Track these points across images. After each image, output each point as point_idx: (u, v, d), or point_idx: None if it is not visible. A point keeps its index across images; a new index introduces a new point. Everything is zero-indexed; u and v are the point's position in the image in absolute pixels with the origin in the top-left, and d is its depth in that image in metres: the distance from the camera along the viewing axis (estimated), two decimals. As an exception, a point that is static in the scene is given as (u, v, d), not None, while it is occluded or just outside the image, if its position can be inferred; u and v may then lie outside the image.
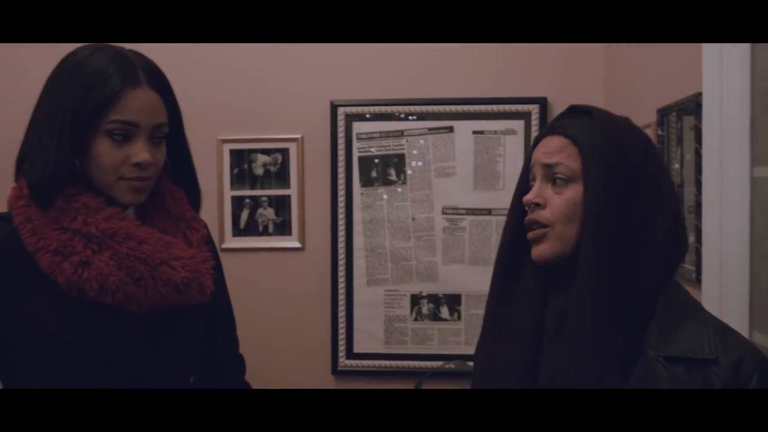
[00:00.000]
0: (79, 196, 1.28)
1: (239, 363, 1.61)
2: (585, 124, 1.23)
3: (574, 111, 1.29)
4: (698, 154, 1.82)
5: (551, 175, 1.24)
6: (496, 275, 1.34)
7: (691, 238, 1.91)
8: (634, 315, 1.16)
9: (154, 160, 1.32)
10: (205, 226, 1.47)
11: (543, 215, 1.23)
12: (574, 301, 1.18)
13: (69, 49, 1.36)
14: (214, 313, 1.50)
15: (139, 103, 1.28)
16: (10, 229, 1.28)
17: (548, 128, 1.29)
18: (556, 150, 1.24)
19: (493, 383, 1.28)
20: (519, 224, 1.29)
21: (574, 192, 1.21)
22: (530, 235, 1.25)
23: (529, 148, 1.32)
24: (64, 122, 1.25)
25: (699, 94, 1.81)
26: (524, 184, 1.30)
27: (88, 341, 1.28)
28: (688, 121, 1.95)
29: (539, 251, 1.24)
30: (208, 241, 1.46)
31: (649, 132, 2.26)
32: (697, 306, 1.23)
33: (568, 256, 1.22)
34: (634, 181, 1.19)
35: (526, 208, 1.26)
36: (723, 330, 1.18)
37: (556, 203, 1.22)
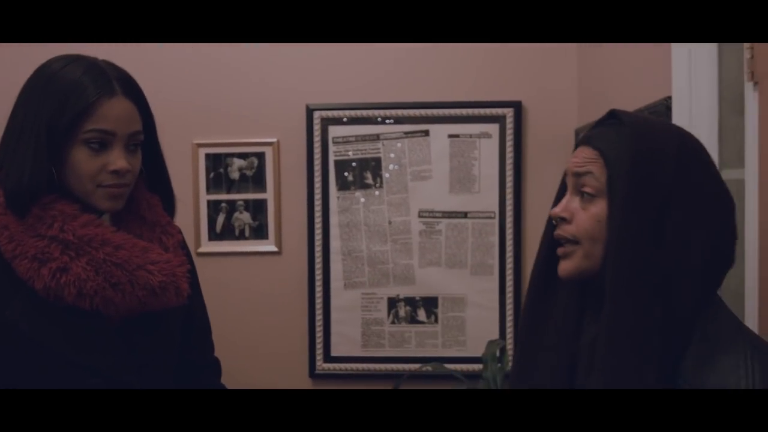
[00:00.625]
0: (55, 203, 1.30)
1: (215, 366, 1.62)
2: (614, 135, 1.16)
3: (612, 117, 1.21)
4: (669, 157, 1.85)
5: (580, 187, 1.19)
6: (530, 291, 1.29)
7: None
8: (667, 345, 1.08)
9: (131, 167, 1.35)
10: (180, 231, 1.49)
11: (569, 230, 1.19)
12: (601, 330, 1.11)
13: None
14: (190, 318, 1.52)
15: (114, 112, 1.31)
16: None
17: (582, 137, 1.23)
18: (584, 162, 1.18)
19: None
20: (552, 238, 1.23)
21: (599, 209, 1.16)
22: (560, 250, 1.21)
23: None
24: (39, 132, 1.27)
25: (669, 98, 1.84)
26: (561, 195, 1.25)
27: (67, 346, 1.30)
28: (659, 124, 1.98)
29: (564, 267, 1.20)
30: (183, 246, 1.48)
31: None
32: (740, 331, 1.12)
33: (597, 273, 1.17)
34: (666, 195, 1.10)
35: (554, 221, 1.23)
36: (762, 355, 1.07)
37: (582, 219, 1.17)
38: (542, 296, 1.26)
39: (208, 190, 2.96)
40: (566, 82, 2.90)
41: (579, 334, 1.20)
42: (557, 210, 1.20)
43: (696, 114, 1.70)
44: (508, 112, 2.87)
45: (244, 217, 2.97)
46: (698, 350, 1.07)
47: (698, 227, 1.10)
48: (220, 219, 2.97)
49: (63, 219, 1.29)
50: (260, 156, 2.95)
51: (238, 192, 2.96)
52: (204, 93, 2.95)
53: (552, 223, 1.24)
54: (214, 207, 2.97)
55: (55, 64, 1.33)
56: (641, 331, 1.07)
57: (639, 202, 1.10)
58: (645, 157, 1.11)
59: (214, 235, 2.97)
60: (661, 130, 1.17)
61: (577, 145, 1.24)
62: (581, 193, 1.18)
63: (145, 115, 1.38)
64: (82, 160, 1.30)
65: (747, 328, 1.14)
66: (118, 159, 1.32)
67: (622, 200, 1.11)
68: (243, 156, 2.96)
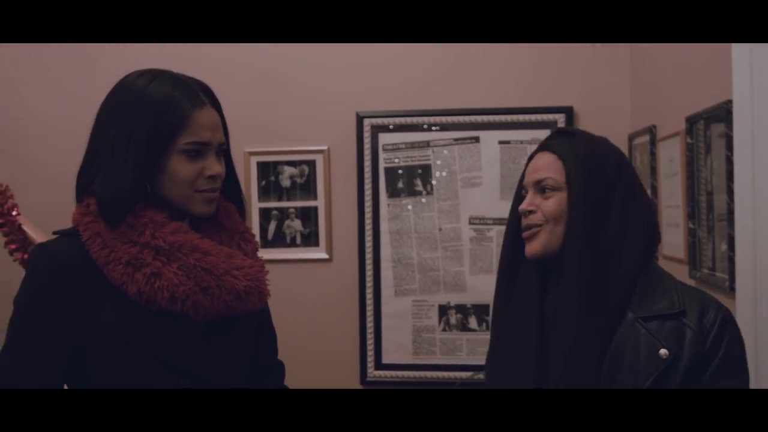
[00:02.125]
0: (144, 211, 1.36)
1: (280, 369, 1.66)
2: (569, 143, 1.48)
3: (561, 132, 1.54)
4: (729, 162, 1.81)
5: (540, 187, 1.47)
6: (500, 272, 1.56)
7: (724, 246, 1.89)
8: (615, 294, 1.40)
9: (223, 173, 1.42)
10: (255, 238, 1.53)
11: (535, 218, 1.46)
12: (564, 287, 1.42)
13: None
14: (261, 322, 1.57)
15: (207, 122, 1.38)
16: (78, 244, 1.35)
17: (539, 146, 1.53)
18: (545, 165, 1.48)
19: (505, 364, 1.49)
20: (516, 231, 1.51)
21: (559, 198, 1.45)
22: (525, 234, 1.48)
23: (525, 164, 1.55)
24: (138, 146, 1.33)
25: (729, 102, 1.80)
26: (519, 196, 1.53)
27: (159, 348, 1.35)
28: (717, 128, 1.94)
29: (531, 248, 1.47)
30: (257, 252, 1.52)
31: (678, 140, 2.25)
32: (669, 275, 1.48)
33: (557, 252, 1.45)
34: (610, 187, 1.44)
35: (522, 215, 1.48)
36: (688, 289, 1.45)
37: (546, 207, 1.45)
38: (510, 278, 1.52)
39: (260, 198, 2.99)
40: (619, 86, 2.86)
41: (543, 299, 1.47)
42: (524, 206, 1.48)
43: (758, 118, 1.66)
44: (560, 118, 2.85)
45: (295, 225, 2.99)
46: (640, 292, 1.41)
47: (635, 207, 1.44)
48: (272, 227, 3.00)
49: (153, 226, 1.34)
50: (311, 164, 2.97)
51: (289, 200, 2.99)
52: (255, 102, 2.98)
53: (514, 218, 1.52)
54: (265, 215, 3.00)
55: (140, 80, 1.38)
56: (595, 284, 1.39)
57: (591, 190, 1.42)
58: (594, 157, 1.45)
59: (265, 243, 2.99)
60: (602, 140, 1.52)
61: (534, 154, 1.52)
62: (542, 190, 1.46)
63: (224, 124, 1.45)
64: (181, 168, 1.36)
65: (670, 274, 1.49)
66: (214, 164, 1.38)
67: (579, 189, 1.42)
68: (294, 164, 2.98)
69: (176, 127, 1.34)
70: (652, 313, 1.38)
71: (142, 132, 1.33)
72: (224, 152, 1.45)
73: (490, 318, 1.58)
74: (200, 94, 1.39)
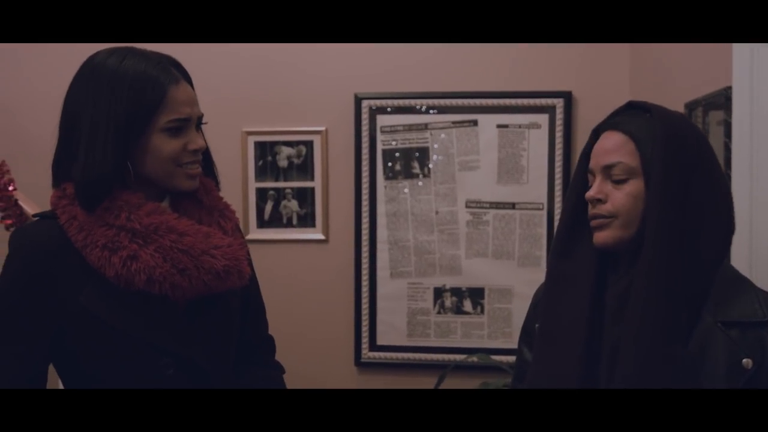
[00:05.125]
0: (120, 193, 1.35)
1: (270, 344, 1.66)
2: (643, 121, 1.33)
3: (631, 107, 1.37)
4: (727, 149, 1.81)
5: (610, 173, 1.33)
6: (552, 260, 1.44)
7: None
8: (692, 289, 1.27)
9: (205, 145, 1.41)
10: (235, 215, 1.52)
11: (605, 209, 1.33)
12: (637, 279, 1.29)
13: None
14: (247, 297, 1.56)
15: (184, 97, 1.36)
16: (57, 226, 1.35)
17: (607, 123, 1.38)
18: (614, 147, 1.33)
19: (556, 358, 1.37)
20: (575, 212, 1.39)
21: (633, 187, 1.31)
22: (594, 223, 1.35)
23: (587, 141, 1.41)
24: (118, 126, 1.31)
25: (728, 88, 1.80)
26: (581, 177, 1.40)
27: (139, 329, 1.35)
28: (715, 115, 1.94)
29: (602, 237, 1.34)
30: (239, 228, 1.51)
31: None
32: (744, 277, 1.35)
33: (628, 242, 1.32)
34: (690, 171, 1.29)
35: (589, 203, 1.36)
36: None
37: (618, 197, 1.32)
38: (564, 260, 1.41)
39: (257, 178, 2.99)
40: (619, 71, 2.86)
41: (600, 288, 1.35)
42: (592, 193, 1.34)
43: (757, 105, 1.66)
44: (558, 103, 2.84)
45: (291, 205, 2.99)
46: (719, 292, 1.28)
47: (715, 195, 1.31)
48: (268, 207, 2.99)
49: (129, 209, 1.34)
50: (308, 144, 2.97)
51: (286, 180, 2.98)
52: (253, 82, 2.97)
53: (573, 199, 1.40)
54: (261, 195, 2.99)
55: (111, 58, 1.35)
56: (672, 277, 1.26)
57: (672, 175, 1.28)
58: (673, 140, 1.30)
59: (261, 223, 2.99)
60: (681, 118, 1.36)
61: (601, 131, 1.38)
62: (610, 176, 1.33)
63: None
64: (163, 144, 1.35)
65: (750, 281, 1.36)
66: (196, 138, 1.38)
67: (659, 177, 1.28)
68: (291, 144, 2.97)
69: (156, 105, 1.33)
70: (732, 319, 1.26)
71: (121, 112, 1.31)
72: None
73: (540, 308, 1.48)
74: (173, 69, 1.37)
